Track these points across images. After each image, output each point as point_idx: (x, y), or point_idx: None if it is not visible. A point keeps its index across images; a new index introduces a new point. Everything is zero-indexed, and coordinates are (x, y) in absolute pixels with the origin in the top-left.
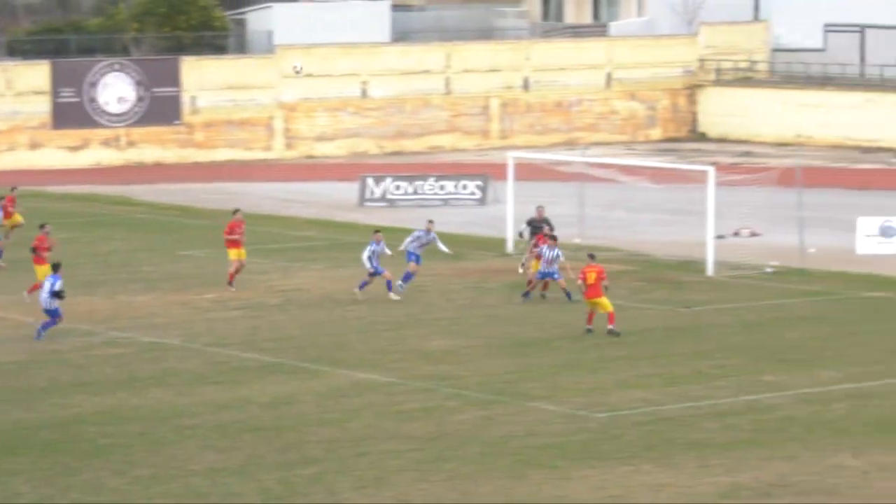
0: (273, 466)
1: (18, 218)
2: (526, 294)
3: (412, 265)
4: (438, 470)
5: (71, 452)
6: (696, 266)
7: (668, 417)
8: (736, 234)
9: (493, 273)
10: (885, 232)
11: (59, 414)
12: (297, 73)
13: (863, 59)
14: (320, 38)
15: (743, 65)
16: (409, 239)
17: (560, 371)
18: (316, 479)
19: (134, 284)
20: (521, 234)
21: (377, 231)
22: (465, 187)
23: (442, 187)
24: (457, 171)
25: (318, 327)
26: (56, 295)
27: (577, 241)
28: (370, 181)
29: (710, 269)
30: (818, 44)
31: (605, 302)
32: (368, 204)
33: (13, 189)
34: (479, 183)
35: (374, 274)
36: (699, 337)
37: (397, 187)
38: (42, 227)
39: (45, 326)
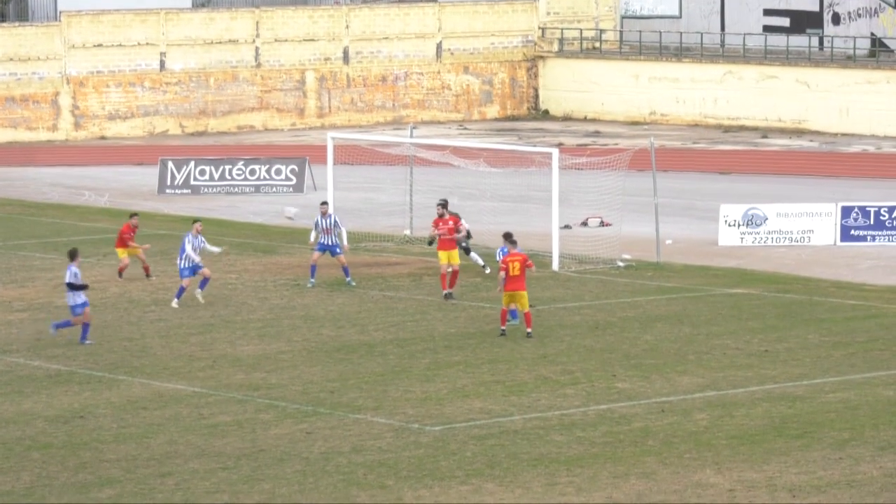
0: (65, 488)
1: None
2: (447, 293)
3: (315, 255)
4: (253, 491)
5: None
6: (539, 260)
7: (512, 430)
8: (584, 223)
9: (310, 269)
10: (751, 221)
11: None
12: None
13: (723, 27)
14: (112, 4)
15: (589, 34)
16: (312, 232)
17: (388, 379)
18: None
19: None
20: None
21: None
22: (278, 172)
23: (252, 172)
24: (269, 154)
25: (113, 331)
26: None
27: (406, 232)
28: (171, 165)
29: (555, 264)
30: (673, 10)
31: (525, 298)
32: (169, 191)
33: None
34: (294, 167)
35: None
36: (544, 340)
37: (202, 172)
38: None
39: None
